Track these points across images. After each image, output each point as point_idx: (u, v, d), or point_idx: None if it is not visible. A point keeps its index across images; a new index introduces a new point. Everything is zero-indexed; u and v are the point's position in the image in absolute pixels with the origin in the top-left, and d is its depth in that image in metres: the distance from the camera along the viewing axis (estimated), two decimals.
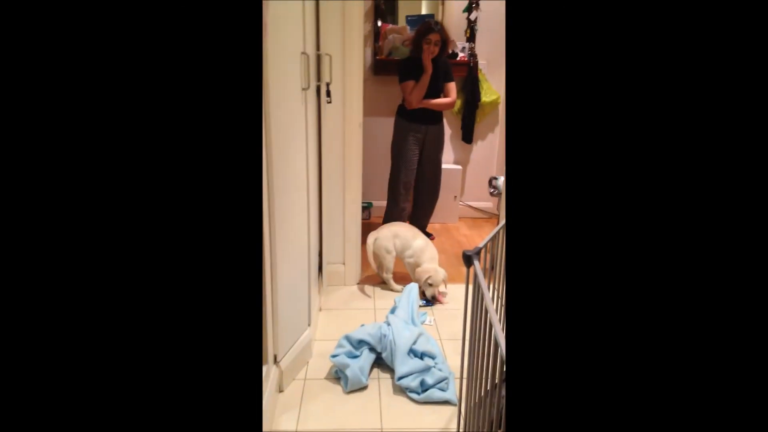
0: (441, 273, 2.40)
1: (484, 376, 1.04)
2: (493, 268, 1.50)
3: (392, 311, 2.14)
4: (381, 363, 1.87)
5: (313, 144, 1.99)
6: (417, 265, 2.46)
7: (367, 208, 3.51)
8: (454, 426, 1.58)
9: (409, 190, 3.11)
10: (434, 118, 2.97)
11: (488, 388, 1.02)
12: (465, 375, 1.29)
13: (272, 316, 1.58)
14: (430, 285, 2.35)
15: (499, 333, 0.90)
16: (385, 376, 1.82)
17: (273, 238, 1.50)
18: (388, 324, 1.93)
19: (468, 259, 1.22)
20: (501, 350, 0.87)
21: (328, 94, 2.14)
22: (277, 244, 1.52)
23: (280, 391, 1.71)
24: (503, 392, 1.10)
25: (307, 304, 1.90)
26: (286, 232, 1.62)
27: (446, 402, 1.69)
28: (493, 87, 3.46)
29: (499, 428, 1.01)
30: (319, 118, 2.17)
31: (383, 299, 2.43)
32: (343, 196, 2.44)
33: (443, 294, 2.44)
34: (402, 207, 3.09)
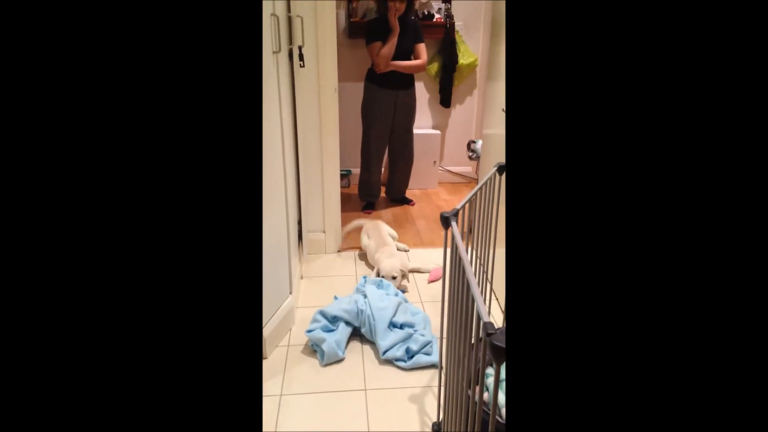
0: (396, 263, 2.22)
1: (463, 336, 1.07)
2: (470, 231, 1.51)
3: (364, 278, 2.16)
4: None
5: (288, 110, 1.94)
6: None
7: (345, 175, 3.48)
8: (436, 383, 1.63)
9: (382, 157, 3.09)
10: (405, 82, 2.91)
11: (467, 346, 1.04)
12: (445, 335, 1.31)
13: None
14: (393, 278, 2.19)
15: (476, 292, 0.91)
16: (368, 340, 1.85)
17: None
18: (365, 296, 1.90)
19: (446, 221, 1.22)
20: (477, 309, 0.88)
21: (301, 58, 2.08)
22: None
23: (264, 358, 1.73)
24: (480, 351, 1.12)
25: (287, 272, 1.90)
26: (264, 201, 1.59)
27: (433, 366, 1.72)
28: (471, 49, 3.40)
29: (477, 384, 1.04)
30: (293, 84, 2.11)
31: (365, 267, 2.44)
32: (321, 164, 2.40)
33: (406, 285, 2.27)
34: (375, 174, 3.07)
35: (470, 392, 1.06)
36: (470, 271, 0.99)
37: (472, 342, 0.96)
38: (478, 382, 1.04)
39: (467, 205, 1.34)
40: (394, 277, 2.18)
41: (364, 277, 2.19)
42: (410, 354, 1.73)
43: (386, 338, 1.76)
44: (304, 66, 2.13)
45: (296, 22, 2.00)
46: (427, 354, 1.74)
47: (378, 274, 2.24)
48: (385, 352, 1.74)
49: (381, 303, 1.86)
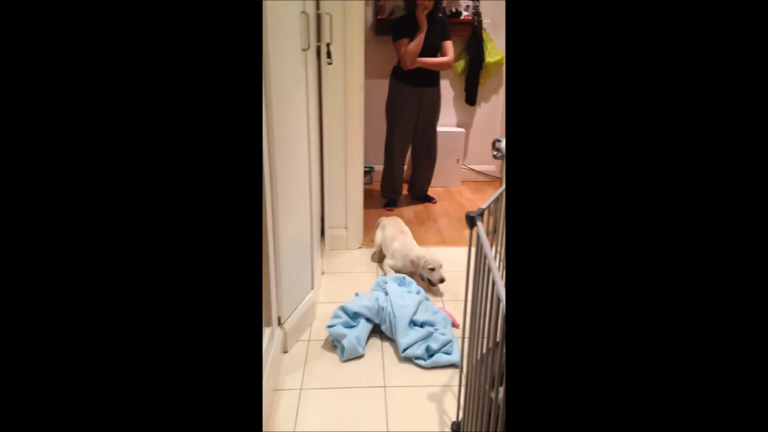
0: (435, 255, 2.22)
1: (486, 334, 1.06)
2: (495, 230, 1.50)
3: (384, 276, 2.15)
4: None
5: (314, 106, 1.95)
6: (407, 256, 2.26)
7: (368, 172, 3.49)
8: (456, 382, 1.62)
9: (405, 154, 3.08)
10: (431, 79, 2.90)
11: (490, 345, 1.03)
12: (467, 334, 1.31)
13: (275, 280, 1.59)
14: (432, 270, 2.16)
15: (502, 291, 0.90)
16: (388, 337, 1.85)
17: (275, 202, 1.49)
18: (386, 293, 1.90)
19: (471, 220, 1.21)
20: (503, 308, 0.88)
21: (329, 55, 2.09)
22: (279, 209, 1.52)
23: (285, 351, 1.75)
24: (504, 350, 1.12)
25: (309, 267, 1.91)
26: (288, 197, 1.61)
27: (452, 365, 1.71)
28: (498, 47, 3.37)
29: (501, 385, 1.03)
30: (320, 80, 2.12)
31: None
32: (345, 161, 2.41)
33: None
34: (398, 171, 3.07)
35: (493, 394, 1.05)
36: (496, 270, 0.98)
37: (497, 340, 0.95)
38: (501, 383, 1.03)
39: (492, 205, 1.32)
40: (432, 269, 2.15)
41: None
42: (430, 352, 1.73)
43: (406, 336, 1.76)
44: (331, 63, 2.14)
45: (325, 20, 2.01)
46: (447, 353, 1.73)
47: (397, 268, 2.25)
48: (405, 350, 1.74)
49: (402, 301, 1.86)
